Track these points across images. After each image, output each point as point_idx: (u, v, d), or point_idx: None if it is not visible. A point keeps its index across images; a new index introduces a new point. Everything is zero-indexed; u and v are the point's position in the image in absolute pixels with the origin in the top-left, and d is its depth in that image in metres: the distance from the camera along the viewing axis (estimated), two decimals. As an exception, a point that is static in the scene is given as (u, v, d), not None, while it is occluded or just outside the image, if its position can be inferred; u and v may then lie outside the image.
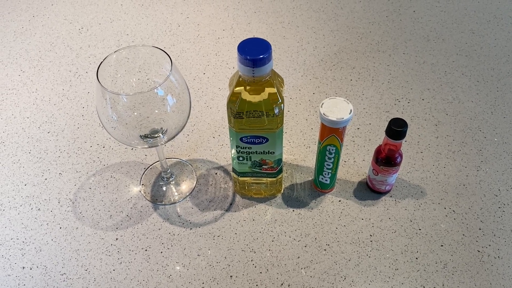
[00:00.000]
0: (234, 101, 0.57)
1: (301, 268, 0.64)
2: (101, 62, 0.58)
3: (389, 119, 0.82)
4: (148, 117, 0.62)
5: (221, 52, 0.96)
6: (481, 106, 0.84)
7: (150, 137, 0.63)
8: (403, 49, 0.95)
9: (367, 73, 0.90)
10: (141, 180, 0.75)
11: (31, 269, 0.65)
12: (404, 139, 0.77)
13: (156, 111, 0.62)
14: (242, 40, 0.99)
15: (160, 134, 0.64)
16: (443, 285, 0.62)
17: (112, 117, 0.59)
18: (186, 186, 0.74)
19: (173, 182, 0.74)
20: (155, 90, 0.56)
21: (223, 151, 0.78)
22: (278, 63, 0.93)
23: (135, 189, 0.74)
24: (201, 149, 0.79)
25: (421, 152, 0.77)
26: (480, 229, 0.67)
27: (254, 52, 0.53)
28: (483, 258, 0.64)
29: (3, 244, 0.68)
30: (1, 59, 0.97)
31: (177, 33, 1.01)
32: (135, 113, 0.62)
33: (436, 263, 0.64)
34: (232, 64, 0.93)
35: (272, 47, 0.52)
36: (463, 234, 0.67)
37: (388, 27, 1.00)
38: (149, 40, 0.99)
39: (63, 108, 0.86)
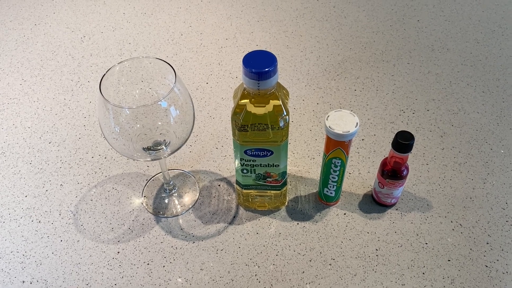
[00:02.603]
0: (238, 113, 0.56)
1: (306, 283, 0.63)
2: (104, 74, 0.58)
3: (394, 130, 0.81)
4: (149, 129, 0.62)
5: (224, 61, 0.95)
6: (487, 117, 0.83)
7: (153, 149, 0.63)
8: (408, 59, 0.94)
9: (371, 83, 0.90)
10: (143, 192, 0.74)
11: (31, 283, 0.64)
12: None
13: (159, 122, 0.61)
14: (245, 49, 0.99)
15: (163, 147, 0.63)
16: (450, 301, 0.61)
17: (114, 129, 0.58)
18: (188, 198, 0.73)
19: (176, 194, 0.73)
20: (159, 102, 0.55)
21: (226, 162, 0.77)
22: (282, 72, 0.92)
23: (137, 201, 0.73)
24: (204, 160, 0.78)
25: (427, 164, 0.76)
26: (487, 243, 0.66)
27: (259, 65, 0.52)
28: (491, 274, 0.63)
29: (2, 257, 0.66)
30: (2, 67, 0.96)
31: (180, 42, 1.00)
32: (138, 125, 0.61)
33: (443, 278, 0.63)
34: (235, 73, 0.93)
35: (276, 57, 0.52)
36: (471, 249, 0.66)
37: (392, 37, 1.00)
38: (151, 49, 0.98)
39: (65, 118, 0.85)
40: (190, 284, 0.63)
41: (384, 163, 0.66)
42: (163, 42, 1.00)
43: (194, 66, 0.94)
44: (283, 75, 0.92)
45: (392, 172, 0.65)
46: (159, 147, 0.63)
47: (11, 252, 0.67)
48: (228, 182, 0.75)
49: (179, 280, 0.64)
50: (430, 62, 0.94)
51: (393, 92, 0.88)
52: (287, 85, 0.90)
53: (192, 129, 0.62)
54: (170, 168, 0.77)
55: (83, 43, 1.01)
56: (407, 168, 0.65)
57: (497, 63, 0.93)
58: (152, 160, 0.62)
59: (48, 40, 1.02)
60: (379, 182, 0.67)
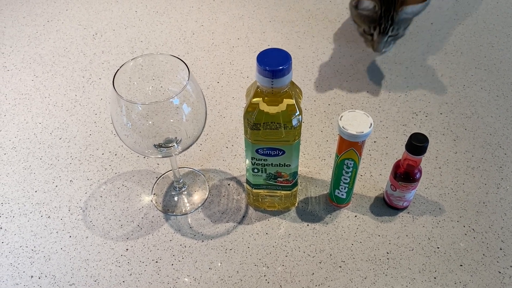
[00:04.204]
0: (251, 112, 0.56)
1: (315, 285, 0.62)
2: (118, 69, 0.57)
3: (407, 133, 0.80)
4: (161, 126, 0.61)
5: (235, 61, 0.95)
6: (501, 121, 0.82)
7: (164, 146, 0.62)
8: (421, 62, 0.93)
9: (384, 85, 0.89)
10: (152, 189, 0.73)
11: (39, 278, 0.64)
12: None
13: (171, 120, 0.60)
14: (257, 49, 0.99)
15: (175, 144, 0.62)
16: (462, 306, 0.60)
17: (126, 125, 0.58)
18: (198, 196, 0.72)
19: (185, 192, 0.73)
20: (171, 100, 0.55)
21: (236, 162, 0.77)
22: (293, 73, 0.92)
23: (147, 198, 0.72)
24: (214, 159, 0.77)
25: (439, 168, 0.75)
26: (501, 249, 0.65)
27: (273, 63, 0.52)
28: (504, 280, 0.62)
29: (11, 252, 0.66)
30: (14, 63, 0.96)
31: (191, 41, 1.00)
32: (150, 122, 0.60)
33: (455, 283, 0.62)
34: (246, 73, 0.92)
35: (290, 55, 0.51)
36: (483, 254, 0.65)
37: (405, 39, 0.99)
38: (163, 48, 0.98)
39: (76, 114, 0.85)
40: (199, 283, 0.63)
41: (397, 166, 0.65)
42: (174, 40, 1.00)
43: (206, 65, 0.94)
44: (295, 76, 0.91)
45: (405, 174, 0.64)
46: (170, 145, 0.62)
47: (20, 246, 0.67)
48: (238, 182, 0.74)
49: (187, 278, 0.63)
50: (443, 65, 0.93)
51: (405, 94, 0.87)
52: (298, 86, 0.89)
53: (203, 126, 0.62)
54: (180, 166, 0.77)
55: (95, 40, 1.01)
56: (420, 171, 0.64)
57: (512, 67, 0.92)
58: (163, 157, 0.62)
59: (60, 36, 1.02)
60: (391, 185, 0.67)
